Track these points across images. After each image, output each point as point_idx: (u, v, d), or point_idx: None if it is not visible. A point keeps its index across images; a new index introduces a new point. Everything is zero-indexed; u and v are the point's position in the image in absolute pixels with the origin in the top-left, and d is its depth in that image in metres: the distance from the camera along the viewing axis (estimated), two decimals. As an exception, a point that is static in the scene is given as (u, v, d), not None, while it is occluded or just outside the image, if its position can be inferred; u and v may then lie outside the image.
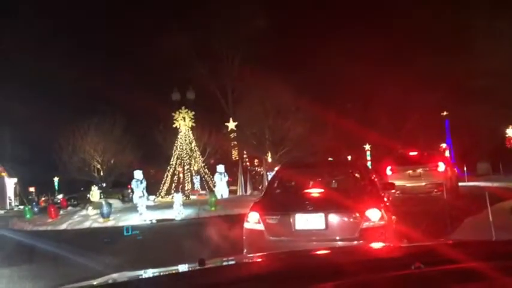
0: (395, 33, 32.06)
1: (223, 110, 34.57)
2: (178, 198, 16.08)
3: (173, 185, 26.49)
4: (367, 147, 38.17)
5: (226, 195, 24.40)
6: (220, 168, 25.32)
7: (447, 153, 28.62)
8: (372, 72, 29.86)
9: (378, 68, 29.87)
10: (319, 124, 25.09)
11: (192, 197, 24.43)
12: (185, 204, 16.82)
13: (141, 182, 23.57)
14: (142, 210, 15.47)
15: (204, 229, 10.72)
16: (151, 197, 24.09)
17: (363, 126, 27.85)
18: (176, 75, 30.49)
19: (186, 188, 25.77)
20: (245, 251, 5.80)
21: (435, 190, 14.24)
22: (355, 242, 5.30)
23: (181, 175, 26.84)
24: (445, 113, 35.36)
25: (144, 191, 23.06)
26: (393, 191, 9.72)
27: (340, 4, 37.36)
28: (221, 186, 24.73)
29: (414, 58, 26.88)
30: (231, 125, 28.74)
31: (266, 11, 29.61)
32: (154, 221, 15.15)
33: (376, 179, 7.27)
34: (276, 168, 26.52)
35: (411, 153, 16.10)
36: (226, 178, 25.33)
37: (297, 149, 24.40)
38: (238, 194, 25.17)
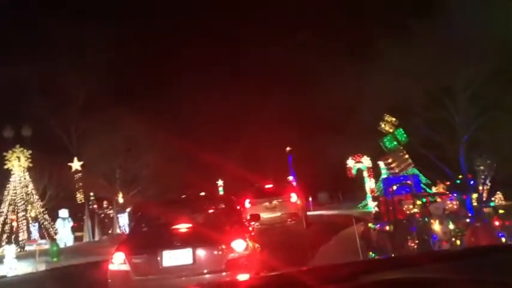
0: (250, 72, 33.92)
1: (67, 148, 31.47)
2: (10, 250, 13.92)
3: (4, 235, 22.77)
4: (220, 182, 39.00)
5: (71, 242, 22.00)
6: (64, 213, 22.82)
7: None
8: (226, 108, 30.77)
9: (232, 104, 30.96)
10: (175, 161, 24.56)
11: (28, 247, 21.28)
12: (20, 257, 14.65)
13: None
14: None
15: (42, 286, 9.25)
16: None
17: (218, 162, 28.24)
18: (9, 110, 26.79)
19: (20, 238, 22.40)
20: None
21: (289, 219, 15.09)
22: (223, 274, 5.40)
23: (14, 223, 23.26)
24: (288, 149, 38.70)
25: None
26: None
27: (196, 36, 37.89)
28: (64, 233, 22.24)
29: (267, 96, 28.59)
30: (76, 164, 26.23)
31: (118, 46, 28.26)
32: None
33: (241, 211, 7.49)
34: (128, 210, 25.15)
35: (267, 186, 16.86)
36: (71, 223, 22.91)
37: (151, 188, 23.37)
38: (85, 240, 22.91)
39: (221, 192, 38.14)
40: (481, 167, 14.27)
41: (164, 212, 7.15)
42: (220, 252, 5.65)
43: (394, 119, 11.00)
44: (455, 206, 7.19)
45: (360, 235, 8.65)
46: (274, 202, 15.39)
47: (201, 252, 5.61)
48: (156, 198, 25.04)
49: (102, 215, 26.90)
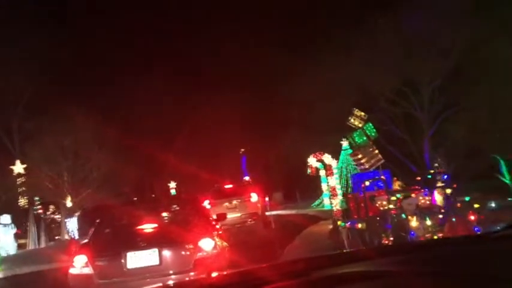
0: (204, 72, 33.46)
1: (9, 150, 29.44)
2: None
3: None
4: (173, 184, 38.25)
5: (13, 251, 20.49)
6: (5, 219, 21.18)
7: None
8: (179, 109, 30.18)
9: (185, 105, 30.42)
10: (127, 162, 23.62)
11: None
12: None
13: None
14: None
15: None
16: None
17: (170, 164, 27.61)
18: None
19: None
20: None
21: (249, 220, 14.99)
22: (191, 274, 5.31)
23: (-51, 232, 21.40)
24: (242, 150, 38.72)
25: None
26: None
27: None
28: (7, 241, 20.65)
29: (222, 97, 28.26)
30: (18, 168, 24.61)
31: (64, 45, 26.70)
32: None
33: (208, 210, 7.41)
34: (77, 214, 23.91)
35: (227, 187, 16.71)
36: (14, 230, 21.32)
37: (102, 191, 22.33)
38: (29, 247, 21.51)
39: (173, 194, 37.57)
40: (437, 164, 14.77)
41: (128, 213, 6.97)
42: (187, 252, 5.52)
43: (363, 114, 11.00)
44: (427, 202, 7.24)
45: (328, 234, 8.57)
46: (234, 202, 15.28)
47: (168, 253, 5.47)
48: (107, 201, 24.05)
49: (49, 220, 25.47)
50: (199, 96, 32.37)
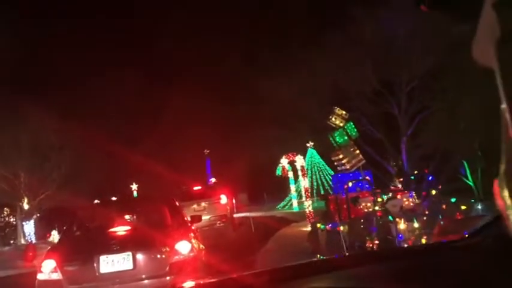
0: (168, 69, 32.84)
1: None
2: None
3: None
4: (134, 186, 37.37)
5: (-36, 256, 19.17)
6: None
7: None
8: (142, 109, 29.52)
9: (148, 105, 29.78)
10: (89, 163, 22.73)
11: None
12: None
13: None
14: None
15: None
16: None
17: (133, 166, 26.89)
18: None
19: None
20: None
21: (218, 222, 14.70)
22: (167, 278, 5.15)
23: None
24: (206, 151, 38.43)
25: None
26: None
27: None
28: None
29: (186, 97, 27.84)
30: (-33, 167, 23.11)
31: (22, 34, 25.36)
32: None
33: (183, 212, 7.22)
34: (35, 217, 22.81)
35: (195, 188, 16.34)
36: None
37: (62, 192, 21.35)
38: (-19, 252, 20.14)
39: (135, 196, 36.63)
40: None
41: (99, 215, 6.74)
42: (163, 256, 5.33)
43: (344, 112, 10.86)
44: (411, 204, 7.22)
45: (307, 237, 8.41)
46: (203, 204, 14.96)
47: (142, 256, 5.27)
48: (68, 203, 23.07)
49: (3, 224, 24.16)
50: (163, 95, 31.90)
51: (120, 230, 5.93)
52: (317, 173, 26.46)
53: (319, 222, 8.97)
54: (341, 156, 10.32)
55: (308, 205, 12.64)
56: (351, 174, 9.96)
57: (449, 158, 14.23)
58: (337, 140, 10.51)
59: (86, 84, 27.08)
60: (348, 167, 10.22)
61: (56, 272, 5.17)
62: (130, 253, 5.22)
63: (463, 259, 1.51)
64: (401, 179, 13.30)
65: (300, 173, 13.81)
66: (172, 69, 33.62)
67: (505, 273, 1.25)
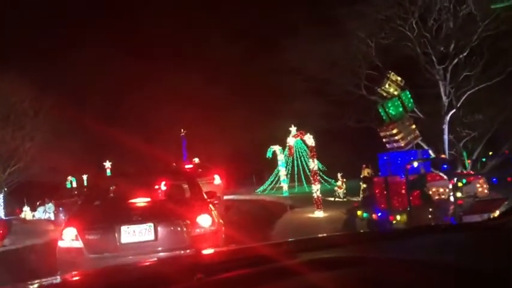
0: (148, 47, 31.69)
1: None
2: None
3: None
4: (108, 164, 36.07)
5: None
6: None
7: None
8: (121, 84, 28.36)
9: (128, 81, 28.67)
10: (64, 135, 21.26)
11: None
12: None
13: None
14: None
15: None
16: None
17: (109, 143, 25.84)
18: None
19: None
20: (59, 273, 4.90)
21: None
22: (188, 251, 5.12)
23: None
24: (183, 131, 37.60)
25: None
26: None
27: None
28: None
29: (167, 76, 26.88)
30: None
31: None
32: None
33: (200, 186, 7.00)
34: (4, 190, 21.25)
35: (187, 167, 15.37)
36: None
37: (35, 165, 19.88)
38: None
39: (108, 174, 35.24)
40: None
41: (121, 185, 6.85)
42: (184, 228, 5.32)
43: (399, 79, 9.06)
44: (485, 191, 6.32)
45: (342, 226, 7.40)
46: (196, 183, 13.97)
47: (164, 228, 5.28)
48: (39, 178, 21.69)
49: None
50: (143, 72, 30.88)
51: (141, 201, 5.89)
52: (302, 157, 25.99)
53: (359, 210, 7.94)
54: (395, 131, 8.72)
55: (316, 189, 11.82)
56: (406, 153, 8.35)
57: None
58: (391, 111, 8.98)
59: (65, 56, 25.76)
60: (402, 145, 8.66)
61: (77, 240, 5.15)
62: (152, 224, 5.20)
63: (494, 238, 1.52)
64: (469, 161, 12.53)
65: (311, 153, 12.86)
66: (154, 45, 32.34)
67: None
